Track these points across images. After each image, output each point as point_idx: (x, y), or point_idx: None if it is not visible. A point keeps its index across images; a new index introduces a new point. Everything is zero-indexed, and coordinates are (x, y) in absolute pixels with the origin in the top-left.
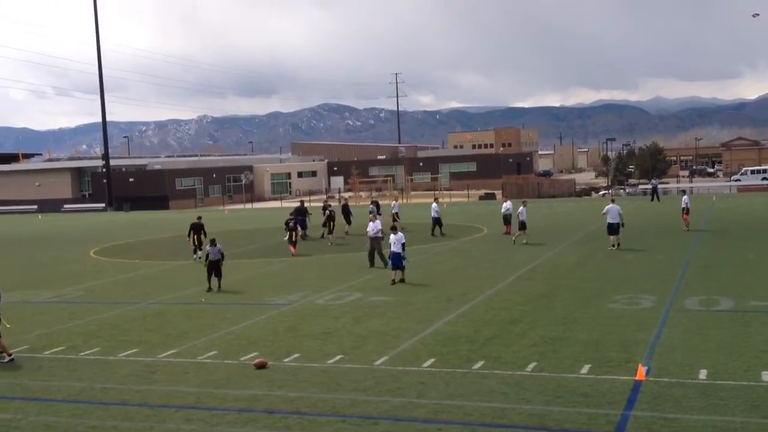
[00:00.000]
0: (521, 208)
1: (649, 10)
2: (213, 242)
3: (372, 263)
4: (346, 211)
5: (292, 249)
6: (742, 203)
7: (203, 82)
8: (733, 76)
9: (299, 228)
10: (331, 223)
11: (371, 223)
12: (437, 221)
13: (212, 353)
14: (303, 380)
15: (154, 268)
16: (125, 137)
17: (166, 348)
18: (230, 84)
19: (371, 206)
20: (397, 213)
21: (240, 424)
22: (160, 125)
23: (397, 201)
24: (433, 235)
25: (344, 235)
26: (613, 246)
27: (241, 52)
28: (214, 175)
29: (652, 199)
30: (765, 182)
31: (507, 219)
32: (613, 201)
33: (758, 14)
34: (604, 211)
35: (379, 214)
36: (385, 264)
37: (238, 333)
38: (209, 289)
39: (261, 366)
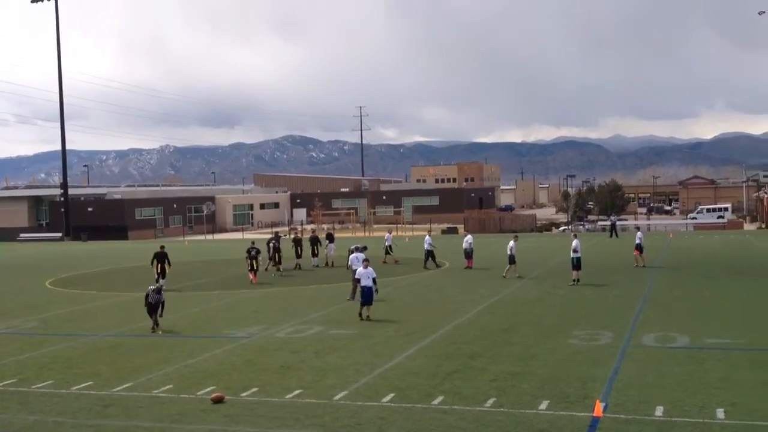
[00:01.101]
0: (511, 243)
1: (609, 50)
2: (158, 291)
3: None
4: (314, 241)
5: (251, 277)
6: (698, 241)
7: (166, 112)
8: (690, 115)
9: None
10: (277, 255)
11: (363, 269)
12: (430, 253)
13: (168, 387)
14: (261, 415)
15: (111, 299)
16: (85, 166)
17: (121, 381)
18: (193, 114)
19: (353, 252)
20: (390, 246)
21: None
22: (121, 154)
23: (390, 233)
24: (426, 267)
25: (312, 267)
26: (574, 281)
27: (204, 83)
28: (175, 206)
29: (611, 236)
30: (721, 221)
31: (468, 253)
32: (575, 236)
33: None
34: (573, 246)
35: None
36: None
37: (195, 366)
38: (154, 328)
39: (218, 400)
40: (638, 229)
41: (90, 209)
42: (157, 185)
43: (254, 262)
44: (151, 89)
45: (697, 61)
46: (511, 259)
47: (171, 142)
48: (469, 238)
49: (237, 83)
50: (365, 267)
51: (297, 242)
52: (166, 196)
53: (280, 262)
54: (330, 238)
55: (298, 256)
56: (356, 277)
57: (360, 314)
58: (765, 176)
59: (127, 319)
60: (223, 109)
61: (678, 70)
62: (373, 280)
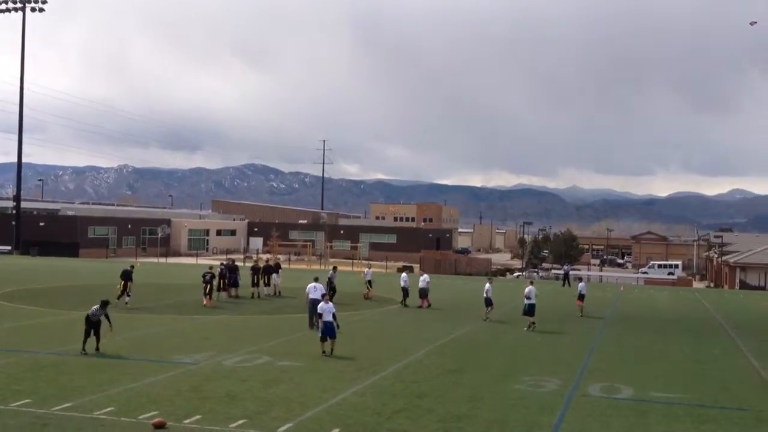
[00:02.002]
0: (487, 285)
1: (571, 105)
2: (104, 304)
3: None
4: (268, 271)
5: (205, 301)
6: (648, 295)
7: (126, 131)
8: (646, 173)
9: (231, 285)
10: (222, 282)
11: (324, 304)
12: (406, 291)
13: (109, 409)
14: None
15: (58, 316)
16: (40, 180)
17: (61, 400)
18: (154, 135)
19: (328, 277)
20: (370, 281)
21: None
22: (78, 171)
23: (370, 268)
24: (404, 305)
25: (268, 295)
26: (528, 327)
27: (167, 104)
28: (130, 226)
29: (564, 284)
30: (671, 277)
31: (424, 292)
32: (531, 283)
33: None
34: (526, 292)
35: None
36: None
37: (139, 390)
38: (83, 351)
39: (159, 426)
40: (581, 280)
41: (42, 224)
42: (112, 204)
43: (209, 286)
44: (112, 107)
45: (655, 121)
46: (488, 302)
47: (130, 162)
48: (425, 277)
49: (200, 107)
50: (326, 302)
51: (255, 271)
52: (120, 215)
53: (224, 289)
54: (276, 267)
55: (255, 285)
56: (318, 312)
57: (323, 351)
58: (716, 236)
59: (72, 338)
60: (184, 133)
61: (636, 129)
62: (333, 315)
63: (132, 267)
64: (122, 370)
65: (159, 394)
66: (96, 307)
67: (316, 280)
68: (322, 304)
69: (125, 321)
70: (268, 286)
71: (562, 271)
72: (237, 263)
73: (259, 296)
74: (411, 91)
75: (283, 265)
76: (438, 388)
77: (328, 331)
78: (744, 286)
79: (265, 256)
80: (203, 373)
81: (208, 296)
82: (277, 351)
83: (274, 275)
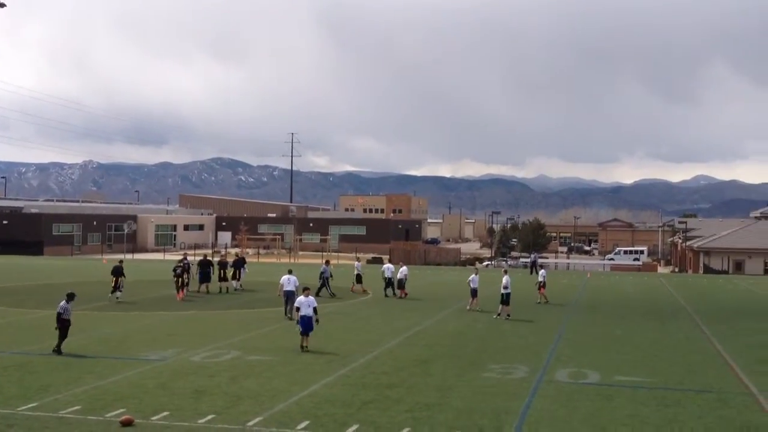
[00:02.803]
0: (472, 276)
1: (538, 95)
2: (71, 297)
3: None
4: (237, 265)
5: (177, 295)
6: (614, 281)
7: (90, 127)
8: (612, 161)
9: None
10: (186, 276)
11: (303, 297)
12: (389, 282)
13: (76, 408)
14: None
15: (22, 316)
16: (2, 177)
17: (26, 401)
18: (119, 130)
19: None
20: (359, 275)
21: None
22: (41, 168)
23: (359, 261)
24: (386, 295)
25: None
26: (499, 315)
27: (132, 99)
28: (95, 223)
29: (531, 272)
30: (636, 263)
31: (402, 283)
32: (505, 272)
33: None
34: (504, 282)
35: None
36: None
37: (105, 388)
38: (56, 350)
39: (127, 423)
40: (542, 267)
41: (5, 222)
42: (77, 201)
43: (180, 279)
44: (76, 103)
45: (621, 110)
46: (474, 293)
47: (95, 157)
48: (404, 269)
49: (166, 102)
50: (306, 296)
51: (222, 266)
52: (85, 212)
53: (187, 285)
54: (241, 262)
55: (222, 279)
56: (296, 306)
57: (302, 346)
58: (680, 222)
59: (37, 337)
60: (150, 127)
61: (602, 118)
62: (314, 309)
63: (121, 262)
64: (88, 369)
65: (126, 391)
66: (63, 302)
67: (290, 272)
68: (301, 297)
69: (92, 319)
70: (238, 280)
71: (530, 260)
72: (208, 258)
73: (227, 290)
74: (380, 84)
75: (252, 259)
76: (408, 378)
77: (306, 326)
78: (708, 270)
79: (233, 251)
80: (171, 369)
81: (180, 290)
82: (246, 346)
83: (242, 269)
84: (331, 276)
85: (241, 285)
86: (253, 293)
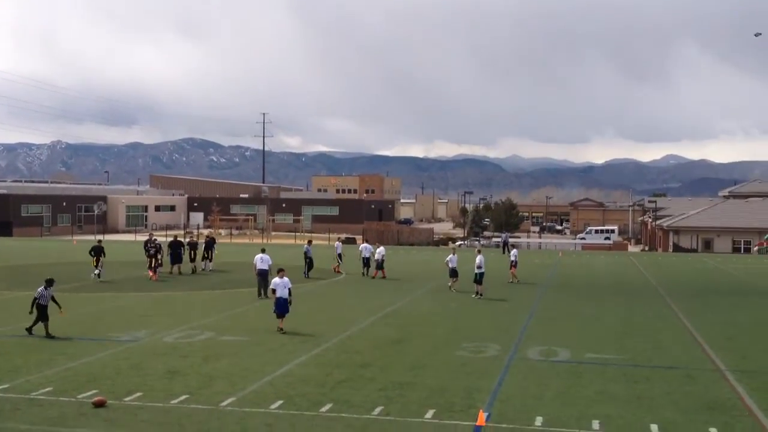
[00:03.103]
0: (451, 255)
1: (509, 76)
2: (50, 282)
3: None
4: (209, 246)
5: (151, 274)
6: (585, 261)
7: (59, 107)
8: (583, 141)
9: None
10: (159, 256)
11: (278, 279)
12: (366, 261)
13: (47, 389)
14: (144, 420)
15: None
16: None
17: None
18: (89, 110)
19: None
20: (340, 255)
21: None
22: (9, 148)
23: (340, 242)
24: (364, 275)
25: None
26: (477, 294)
27: (102, 79)
28: (64, 204)
29: (503, 252)
30: (607, 242)
31: (380, 264)
32: (479, 252)
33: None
34: (477, 262)
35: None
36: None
37: (78, 369)
38: (29, 331)
39: (99, 404)
40: (514, 247)
41: None
42: (46, 182)
43: (153, 260)
44: (44, 82)
45: (591, 91)
46: (453, 272)
47: (63, 138)
48: (381, 249)
49: (136, 81)
50: (281, 277)
51: (192, 246)
52: (55, 193)
53: (160, 265)
54: (211, 243)
55: (192, 260)
56: (272, 287)
57: (280, 327)
58: (650, 201)
59: (7, 319)
60: (120, 108)
61: (572, 98)
62: (288, 290)
63: (100, 241)
64: (61, 350)
65: (99, 372)
66: (41, 288)
67: (263, 251)
68: (276, 279)
69: (64, 300)
70: (210, 261)
71: (501, 239)
72: (179, 239)
73: (195, 271)
74: (350, 64)
75: (225, 240)
76: (381, 357)
77: (281, 307)
78: (677, 249)
79: (205, 232)
80: (144, 350)
81: (153, 269)
82: (219, 326)
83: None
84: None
85: (212, 266)
86: (225, 274)
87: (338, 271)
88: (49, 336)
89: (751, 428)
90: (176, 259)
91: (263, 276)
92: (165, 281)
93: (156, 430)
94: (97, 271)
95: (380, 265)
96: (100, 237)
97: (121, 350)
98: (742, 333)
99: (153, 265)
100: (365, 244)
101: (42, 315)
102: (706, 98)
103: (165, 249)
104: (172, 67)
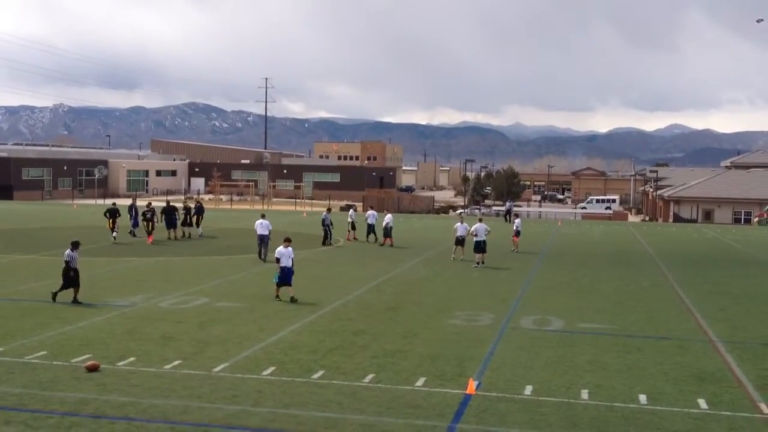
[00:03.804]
0: (457, 224)
1: (513, 43)
2: (75, 245)
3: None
4: (200, 211)
5: (149, 238)
6: (584, 230)
7: (61, 70)
8: (587, 109)
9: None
10: (151, 224)
11: (283, 248)
12: (371, 228)
13: (42, 353)
14: (136, 385)
15: None
16: None
17: None
18: (91, 73)
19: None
20: (352, 222)
21: (63, 428)
22: (12, 111)
23: (353, 210)
24: (368, 240)
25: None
26: (478, 263)
27: (104, 42)
28: (65, 167)
29: (506, 220)
30: (608, 211)
31: (388, 231)
32: (480, 220)
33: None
34: (472, 230)
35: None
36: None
37: (72, 334)
38: (54, 299)
39: (92, 369)
40: (517, 216)
41: None
42: (47, 145)
43: (150, 223)
44: (46, 45)
45: (595, 59)
46: (458, 241)
47: (65, 101)
48: (389, 216)
49: (139, 45)
50: (286, 246)
51: (187, 211)
52: (56, 156)
53: (153, 229)
54: (201, 209)
55: (187, 225)
56: (276, 256)
57: (277, 296)
58: (651, 171)
59: (5, 282)
60: (122, 71)
61: (576, 66)
62: (292, 260)
63: (115, 204)
64: (56, 315)
65: (93, 337)
66: (68, 251)
67: (263, 217)
68: (281, 248)
69: (59, 264)
70: (198, 227)
71: (504, 208)
72: (172, 204)
73: (189, 236)
74: (353, 30)
75: (225, 206)
76: (374, 325)
77: (286, 277)
78: (677, 219)
79: (195, 198)
80: (139, 315)
81: (149, 233)
82: (215, 292)
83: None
84: (331, 224)
85: (201, 231)
86: (219, 240)
87: (355, 238)
88: (76, 302)
89: (739, 399)
90: (170, 224)
91: (263, 240)
92: (163, 245)
93: (147, 395)
94: (114, 234)
95: (388, 233)
96: (114, 200)
97: (116, 315)
98: (735, 304)
99: (150, 229)
100: (371, 211)
101: (72, 280)
102: (711, 66)
103: (159, 214)
104: (175, 30)
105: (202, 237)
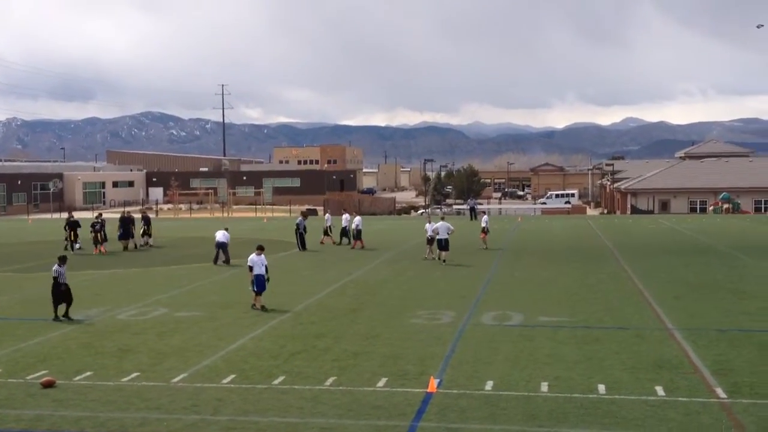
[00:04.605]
0: (427, 224)
1: (471, 42)
2: (62, 260)
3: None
4: (148, 221)
5: (95, 249)
6: (544, 225)
7: (11, 83)
8: (544, 105)
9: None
10: (99, 235)
11: (255, 256)
12: (345, 231)
13: None
14: (93, 399)
15: None
16: None
17: None
18: (43, 86)
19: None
20: (329, 227)
21: None
22: None
23: (328, 214)
24: (340, 244)
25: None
26: (443, 260)
27: (54, 53)
28: (19, 182)
29: (471, 218)
30: (567, 206)
31: (357, 234)
32: (443, 219)
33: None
34: (434, 228)
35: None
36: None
37: (27, 350)
38: (56, 317)
39: (48, 384)
40: (484, 213)
41: None
42: (0, 160)
43: (98, 235)
44: None
45: (551, 55)
46: (429, 241)
47: (18, 114)
48: (358, 219)
49: (91, 55)
50: (258, 254)
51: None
52: (9, 171)
53: (106, 241)
54: (147, 219)
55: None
56: (249, 264)
57: (254, 305)
58: (608, 164)
59: None
60: (76, 82)
61: (532, 63)
62: (266, 268)
63: (72, 215)
64: (10, 331)
65: (49, 352)
66: (56, 266)
67: (226, 229)
68: (253, 256)
69: (16, 280)
70: (150, 236)
71: (467, 206)
72: (130, 215)
73: (136, 247)
74: (308, 33)
75: (185, 215)
76: (336, 328)
77: (260, 285)
78: (635, 210)
79: (165, 207)
80: (95, 329)
81: (96, 245)
82: (174, 302)
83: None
84: (305, 230)
85: (151, 241)
86: (174, 249)
87: (333, 242)
88: (68, 317)
89: (696, 385)
90: (126, 234)
91: (221, 247)
92: (118, 257)
93: (105, 409)
94: (78, 245)
95: (358, 235)
96: (72, 212)
97: (72, 329)
98: (691, 291)
99: (97, 240)
100: (345, 215)
101: (64, 295)
102: (664, 60)
103: (116, 224)
104: (126, 38)
105: (150, 247)
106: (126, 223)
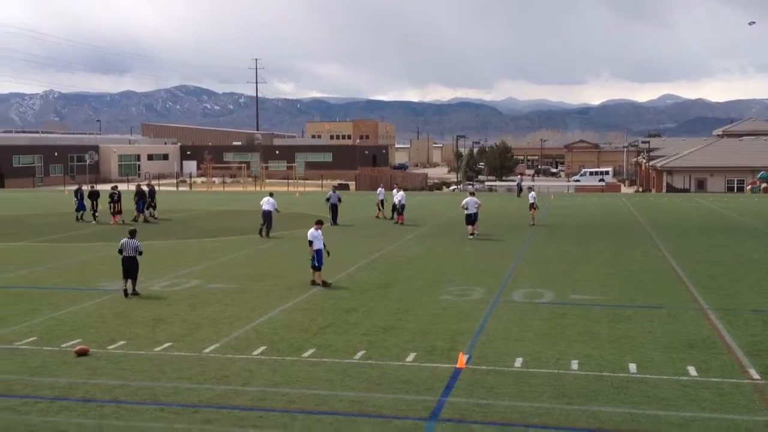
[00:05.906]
0: (466, 199)
1: (503, 17)
2: (132, 233)
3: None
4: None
5: (113, 219)
6: (577, 203)
7: (50, 56)
8: (579, 82)
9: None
10: (117, 205)
11: (314, 230)
12: (394, 207)
13: (31, 339)
14: (125, 368)
15: None
16: None
17: None
18: (80, 59)
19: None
20: (382, 201)
21: (52, 412)
22: (1, 99)
23: (382, 188)
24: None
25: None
26: (472, 234)
27: (91, 27)
28: (56, 154)
29: (518, 195)
30: (601, 183)
31: (400, 210)
32: (472, 194)
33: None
34: (463, 204)
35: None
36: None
37: (62, 319)
38: (126, 293)
39: (81, 353)
40: (531, 189)
41: None
42: (38, 132)
43: (116, 205)
44: (32, 31)
45: (584, 30)
46: (469, 219)
47: (56, 87)
48: (401, 194)
49: (127, 29)
50: (317, 229)
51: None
52: (46, 143)
53: (120, 212)
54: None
55: (148, 208)
56: (309, 239)
57: (314, 281)
58: (644, 142)
59: None
60: (112, 56)
61: (566, 38)
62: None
63: (93, 186)
64: (46, 300)
65: (83, 321)
66: (125, 239)
67: (270, 195)
68: (312, 230)
69: (52, 250)
70: (155, 208)
71: (516, 183)
72: (146, 187)
73: (146, 220)
74: (343, 9)
75: (218, 188)
76: (366, 302)
77: (320, 260)
78: (670, 189)
79: (199, 180)
80: (129, 299)
81: (115, 214)
82: (207, 274)
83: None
84: (340, 201)
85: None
86: (207, 221)
87: (385, 217)
88: (134, 293)
89: (729, 365)
90: (144, 206)
91: (267, 216)
92: (155, 229)
93: (137, 378)
94: (97, 215)
95: (400, 211)
96: (92, 184)
97: (107, 299)
98: (726, 272)
99: (115, 211)
100: (396, 190)
101: (127, 271)
102: (703, 37)
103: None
104: (162, 12)
105: (156, 220)
106: (142, 195)
